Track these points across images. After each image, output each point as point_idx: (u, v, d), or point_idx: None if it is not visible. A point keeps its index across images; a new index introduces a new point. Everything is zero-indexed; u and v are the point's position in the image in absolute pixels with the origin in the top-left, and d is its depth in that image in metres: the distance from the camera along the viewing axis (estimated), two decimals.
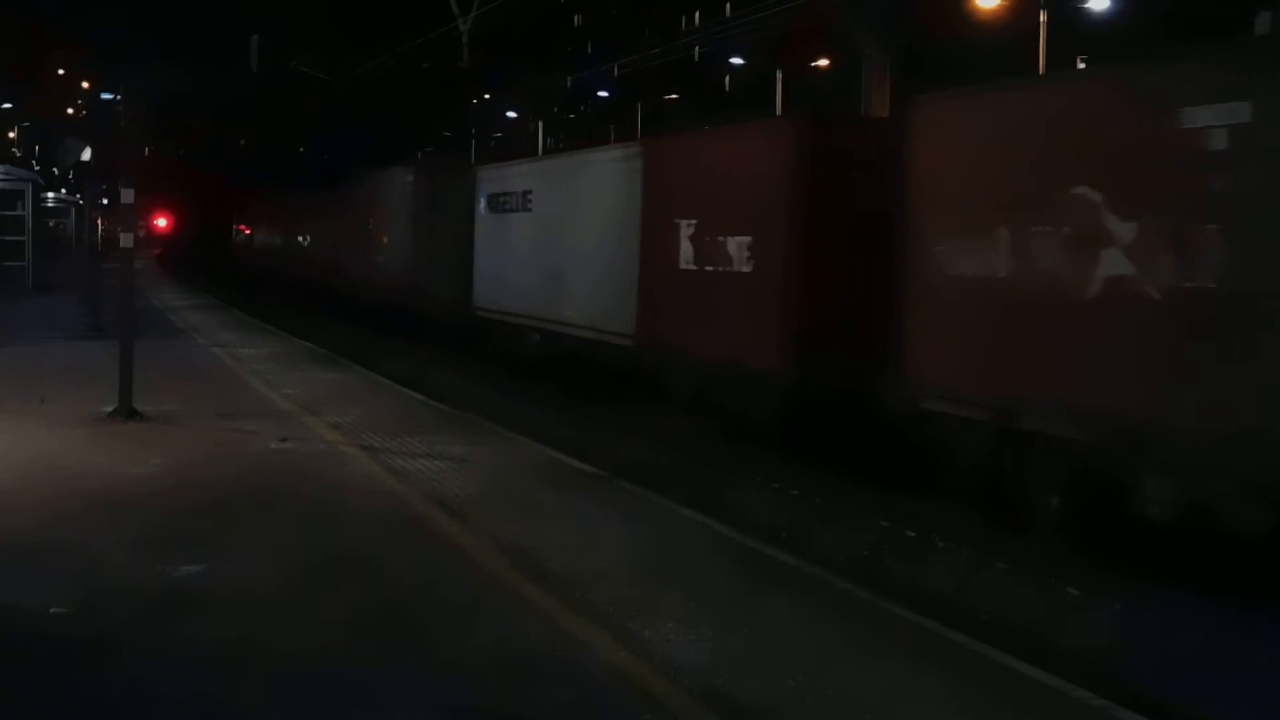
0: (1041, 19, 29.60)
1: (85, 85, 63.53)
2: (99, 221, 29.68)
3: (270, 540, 8.53)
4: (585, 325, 17.20)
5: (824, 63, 40.75)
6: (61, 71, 63.78)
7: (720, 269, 13.89)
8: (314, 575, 7.64)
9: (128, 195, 14.07)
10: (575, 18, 62.17)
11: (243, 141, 64.25)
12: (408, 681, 6.00)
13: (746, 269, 13.42)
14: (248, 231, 49.61)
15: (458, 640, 6.60)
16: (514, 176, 21.52)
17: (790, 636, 6.78)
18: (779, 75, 42.56)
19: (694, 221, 14.47)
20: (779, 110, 38.30)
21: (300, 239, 38.68)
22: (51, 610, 6.90)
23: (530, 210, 19.84)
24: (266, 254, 44.15)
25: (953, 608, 8.01)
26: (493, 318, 21.09)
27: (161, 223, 57.10)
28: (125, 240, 14.38)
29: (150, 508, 9.33)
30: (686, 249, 14.55)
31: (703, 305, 14.26)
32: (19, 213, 34.68)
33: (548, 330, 18.59)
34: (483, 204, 22.11)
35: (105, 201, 28.76)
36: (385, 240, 27.74)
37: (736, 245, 13.57)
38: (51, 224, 43.30)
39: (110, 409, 13.38)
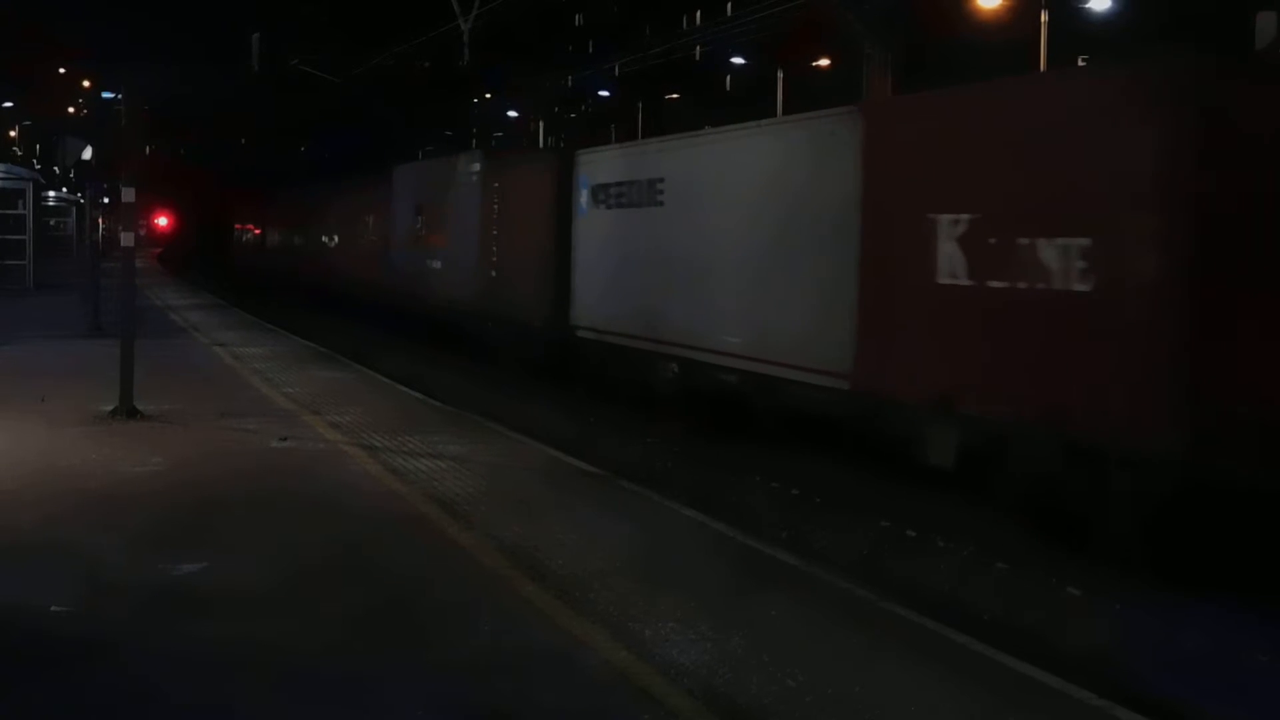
0: (1043, 18, 29.60)
1: (86, 84, 63.59)
2: (100, 220, 29.65)
3: (270, 539, 8.53)
4: (759, 357, 13.05)
5: (825, 62, 40.75)
6: (62, 71, 63.85)
7: (1023, 285, 9.66)
8: (313, 574, 7.65)
9: (128, 194, 14.07)
10: (576, 17, 62.20)
11: (243, 140, 64.27)
12: (407, 680, 6.00)
13: (1081, 286, 9.20)
14: (257, 232, 47.85)
15: (457, 639, 6.60)
16: (635, 162, 16.93)
17: (790, 636, 6.78)
18: (780, 75, 42.59)
19: (967, 216, 10.30)
20: (779, 110, 38.30)
21: (323, 239, 34.83)
22: (52, 608, 6.91)
23: (661, 204, 15.50)
24: (274, 256, 42.30)
25: (953, 607, 8.01)
26: (601, 340, 16.80)
27: (162, 222, 57.17)
28: (126, 239, 14.39)
29: (151, 506, 9.33)
30: (951, 255, 10.38)
31: (987, 338, 10.15)
32: (20, 212, 34.66)
33: (691, 360, 14.46)
34: (585, 197, 17.64)
35: (106, 200, 28.77)
36: (442, 243, 23.20)
37: (1058, 251, 9.38)
38: (52, 223, 43.36)
39: (111, 408, 13.39)
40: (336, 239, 32.92)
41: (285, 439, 12.32)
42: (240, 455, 11.55)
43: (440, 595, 7.41)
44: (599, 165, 17.76)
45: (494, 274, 20.23)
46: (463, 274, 21.56)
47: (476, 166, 21.84)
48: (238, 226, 51.92)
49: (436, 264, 23.20)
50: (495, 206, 20.46)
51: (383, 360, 20.39)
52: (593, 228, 17.50)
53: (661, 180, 15.64)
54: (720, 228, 14.25)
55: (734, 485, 11.70)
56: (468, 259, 21.33)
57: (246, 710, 5.70)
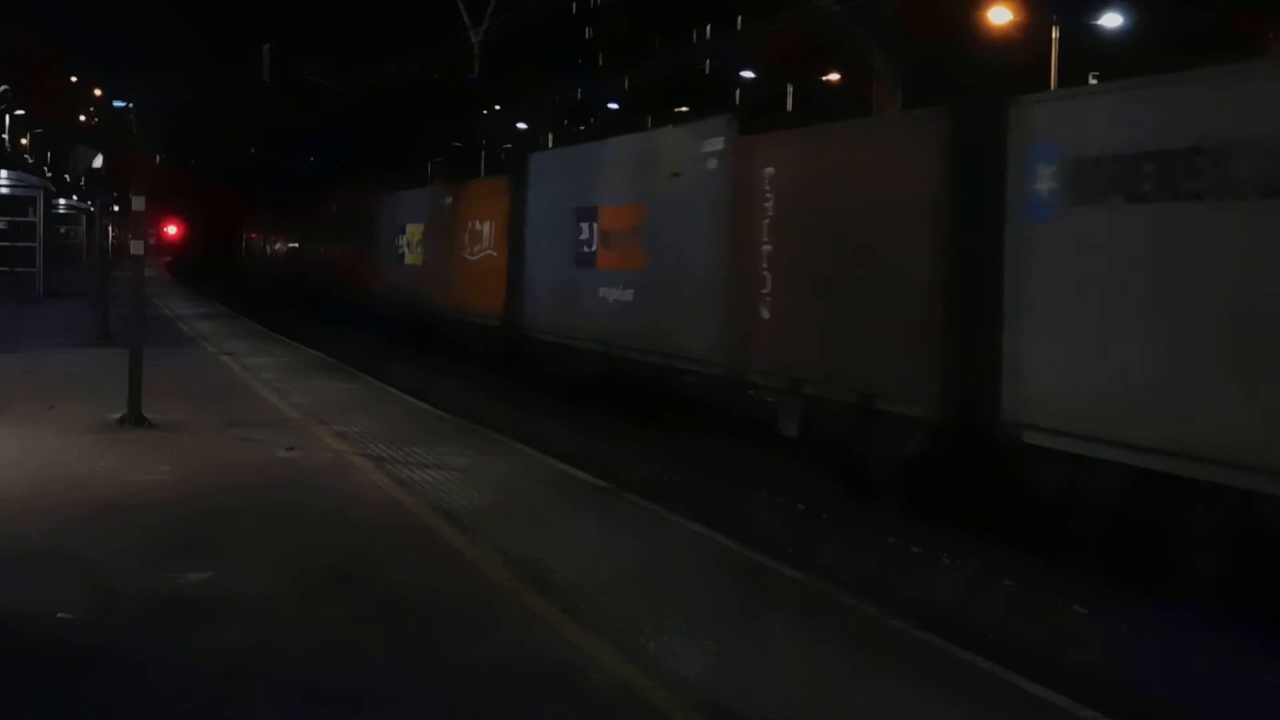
0: (1054, 35, 29.66)
1: (97, 93, 63.87)
2: (110, 228, 29.73)
3: (275, 549, 8.53)
4: None
5: (835, 76, 40.83)
6: (74, 79, 64.12)
7: None
8: (319, 585, 7.64)
9: (138, 203, 14.12)
10: (586, 29, 62.40)
11: (253, 149, 64.44)
12: (411, 691, 5.99)
13: None
14: (285, 245, 43.60)
15: (461, 651, 6.60)
16: (1241, 98, 8.53)
17: (795, 652, 6.77)
18: (790, 88, 42.70)
19: None
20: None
21: (401, 252, 27.57)
22: (59, 616, 6.92)
23: None
24: (310, 272, 37.31)
25: (959, 625, 7.99)
26: (1103, 459, 9.22)
27: (172, 230, 57.35)
28: (136, 247, 14.42)
29: (158, 515, 9.34)
30: None
31: None
32: (30, 219, 34.75)
33: None
34: (1050, 182, 9.70)
35: (116, 209, 28.85)
36: (635, 261, 15.94)
37: None
38: (62, 231, 43.44)
39: (119, 416, 13.40)
40: (421, 254, 26.23)
41: (292, 449, 12.32)
42: (247, 465, 11.56)
43: (445, 607, 7.41)
44: (1093, 119, 9.75)
45: (766, 314, 13.01)
46: (683, 309, 14.61)
47: (717, 145, 14.24)
48: (252, 236, 51.46)
49: (623, 293, 16.13)
50: (766, 206, 13.10)
51: (389, 371, 20.38)
52: (1074, 242, 9.62)
53: None
54: None
55: (740, 499, 11.69)
56: (696, 287, 14.41)
57: (250, 717, 5.70)
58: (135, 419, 13.33)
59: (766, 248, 13.16)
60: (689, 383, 14.45)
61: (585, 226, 17.36)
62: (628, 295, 16.08)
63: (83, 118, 71.57)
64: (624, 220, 16.34)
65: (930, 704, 6.12)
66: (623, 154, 17.48)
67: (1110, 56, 30.14)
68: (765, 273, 13.13)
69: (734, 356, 13.50)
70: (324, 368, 20.84)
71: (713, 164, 14.26)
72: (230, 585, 7.59)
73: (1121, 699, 6.60)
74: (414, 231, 26.65)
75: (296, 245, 41.29)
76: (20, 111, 66.37)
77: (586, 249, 17.33)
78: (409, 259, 26.85)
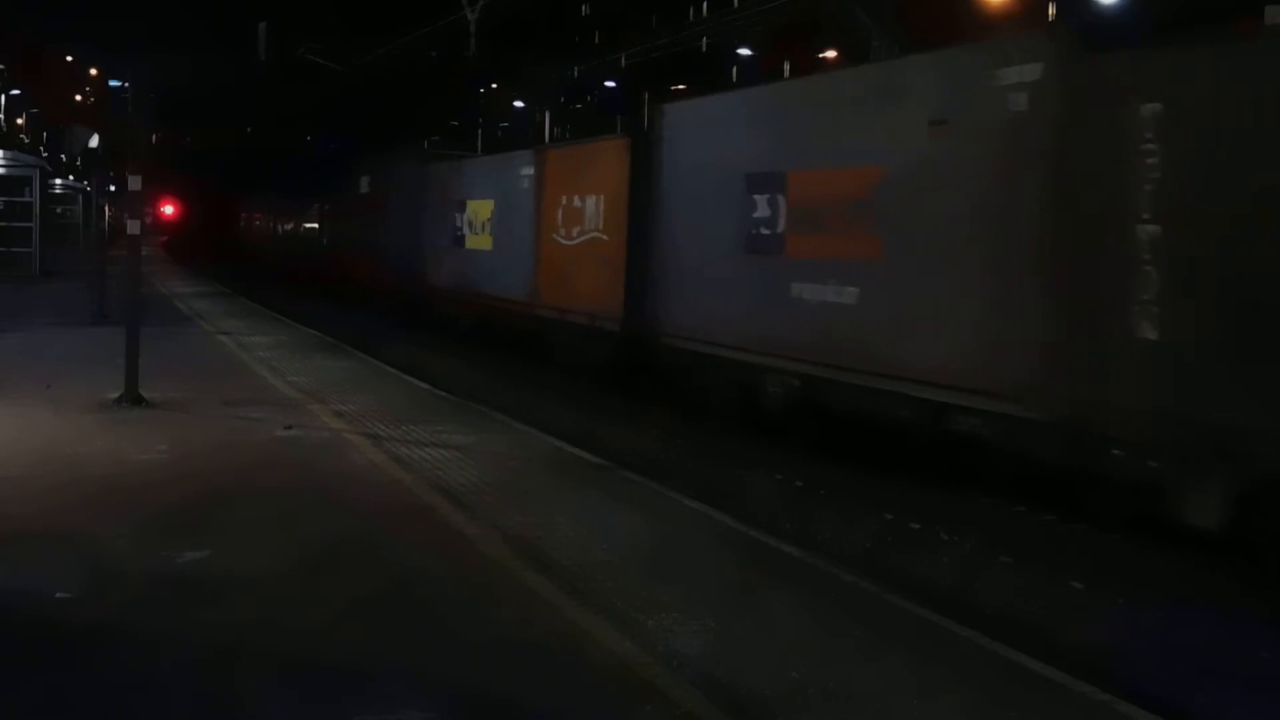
0: (1050, 12, 29.54)
1: (93, 72, 63.65)
2: (106, 208, 29.65)
3: (274, 528, 8.54)
4: None
5: (832, 54, 40.68)
6: (69, 59, 63.89)
7: None
8: (317, 564, 7.65)
9: (135, 183, 14.08)
10: (583, 7, 62.19)
11: (249, 129, 64.18)
12: (410, 670, 6.00)
13: None
14: (309, 226, 38.94)
15: (461, 629, 6.61)
16: None
17: (793, 628, 6.78)
18: (787, 66, 42.55)
19: None
20: None
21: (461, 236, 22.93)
22: (57, 595, 6.92)
23: None
24: (325, 256, 33.28)
25: (957, 601, 8.01)
26: None
27: (169, 210, 57.16)
28: (132, 227, 14.40)
29: (155, 494, 9.35)
30: None
31: None
32: (26, 199, 34.69)
33: None
34: None
35: (112, 189, 28.75)
36: (861, 248, 11.58)
37: None
38: (59, 210, 43.31)
39: (116, 395, 13.40)
40: (492, 237, 21.48)
41: (290, 427, 12.32)
42: (245, 444, 11.56)
43: (444, 585, 7.42)
44: None
45: (1149, 333, 8.70)
46: (958, 318, 10.52)
47: (1030, 74, 9.76)
48: (254, 218, 51.00)
49: (837, 292, 11.87)
50: (1149, 163, 8.70)
51: (385, 349, 20.37)
52: None
53: None
54: None
55: (739, 477, 11.70)
56: (984, 287, 10.24)
57: (250, 696, 5.70)
58: (132, 398, 13.34)
59: (1148, 230, 8.68)
60: (970, 425, 10.27)
61: (763, 200, 13.08)
62: (846, 296, 11.75)
63: (79, 98, 71.35)
64: (838, 190, 11.91)
65: (930, 678, 6.12)
66: (832, 97, 12.72)
67: (1109, 30, 29.99)
68: (1148, 269, 8.66)
69: (1071, 395, 9.26)
70: (320, 346, 20.81)
71: (1021, 104, 9.79)
72: (229, 565, 7.59)
73: (1117, 674, 6.60)
74: (479, 209, 22.06)
75: (314, 226, 37.90)
76: (16, 91, 66.19)
77: (766, 230, 13.06)
78: (472, 243, 22.26)
